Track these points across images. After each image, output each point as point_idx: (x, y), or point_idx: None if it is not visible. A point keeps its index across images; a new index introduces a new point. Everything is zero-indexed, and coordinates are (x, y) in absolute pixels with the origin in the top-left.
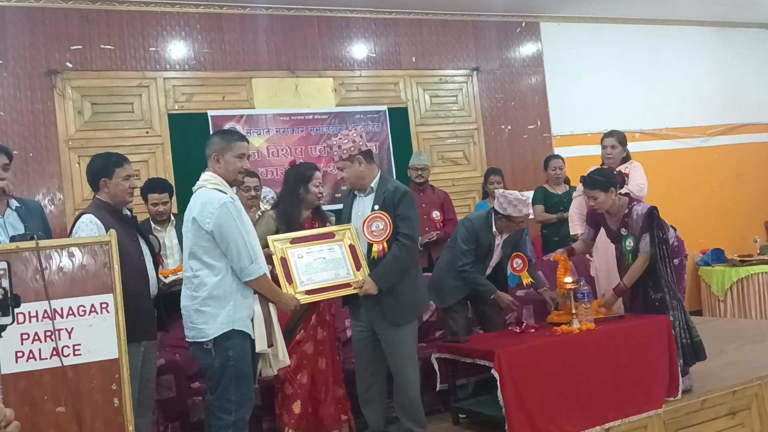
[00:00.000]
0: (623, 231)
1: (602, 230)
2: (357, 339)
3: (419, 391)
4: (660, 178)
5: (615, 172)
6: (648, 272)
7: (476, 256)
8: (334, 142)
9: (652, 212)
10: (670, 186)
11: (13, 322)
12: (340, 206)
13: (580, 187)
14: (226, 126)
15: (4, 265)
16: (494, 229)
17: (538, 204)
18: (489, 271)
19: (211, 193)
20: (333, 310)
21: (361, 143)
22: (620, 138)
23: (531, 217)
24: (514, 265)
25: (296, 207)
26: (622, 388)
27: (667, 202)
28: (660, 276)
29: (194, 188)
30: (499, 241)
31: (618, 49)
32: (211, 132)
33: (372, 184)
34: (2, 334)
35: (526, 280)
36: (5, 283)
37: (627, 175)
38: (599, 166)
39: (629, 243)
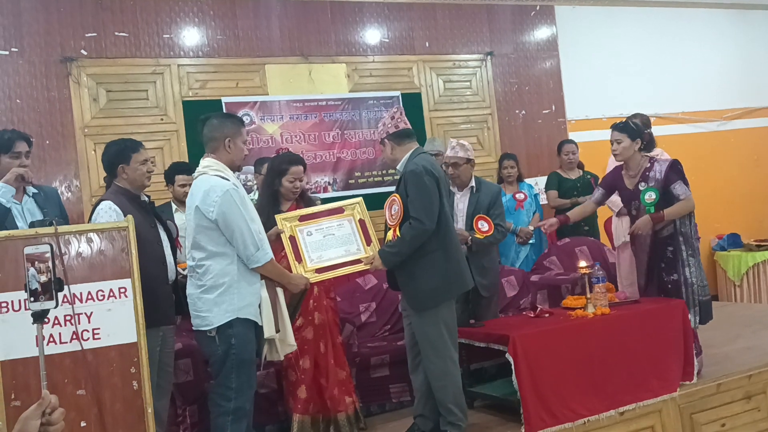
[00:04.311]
0: (641, 186)
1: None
2: (403, 318)
3: (450, 380)
4: None
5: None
6: (661, 254)
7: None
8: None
9: (676, 163)
10: (686, 170)
11: (57, 306)
12: (353, 192)
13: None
14: (240, 112)
15: (47, 247)
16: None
17: (552, 189)
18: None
19: (212, 180)
20: (333, 294)
21: (390, 125)
22: (643, 119)
23: (544, 202)
24: (479, 226)
25: (273, 200)
26: (636, 372)
27: None
28: (675, 258)
29: (194, 175)
30: (456, 198)
31: (633, 32)
32: None
33: (399, 166)
34: (44, 318)
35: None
36: (50, 266)
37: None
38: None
39: (650, 195)
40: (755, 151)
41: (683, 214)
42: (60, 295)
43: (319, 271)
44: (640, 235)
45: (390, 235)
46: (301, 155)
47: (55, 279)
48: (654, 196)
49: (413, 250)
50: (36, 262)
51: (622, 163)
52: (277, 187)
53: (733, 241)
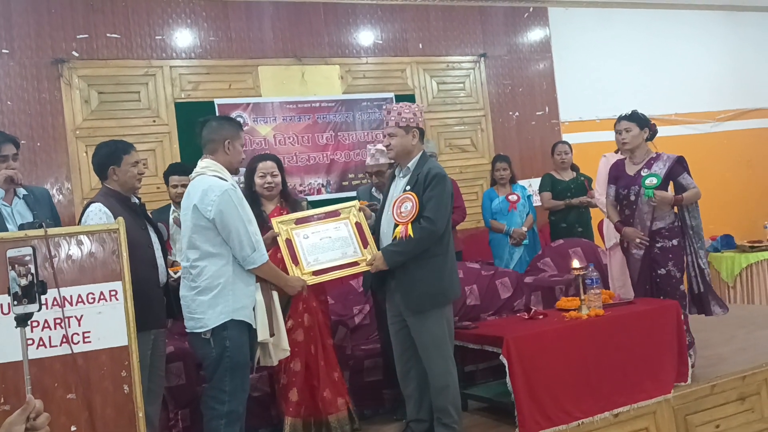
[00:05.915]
0: (644, 172)
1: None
2: (390, 325)
3: (451, 380)
4: None
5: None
6: (650, 248)
7: None
8: (394, 108)
9: (683, 158)
10: None
11: (40, 309)
12: (346, 194)
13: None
14: (233, 114)
15: (29, 250)
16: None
17: (545, 191)
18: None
19: (211, 180)
20: (323, 296)
21: (420, 119)
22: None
23: (538, 203)
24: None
25: (253, 201)
26: (631, 373)
27: None
28: (664, 253)
29: (191, 176)
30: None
31: (626, 33)
32: None
33: (409, 164)
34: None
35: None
36: (32, 269)
37: None
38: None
39: (651, 180)
40: (748, 153)
41: (694, 200)
42: (43, 298)
43: (316, 273)
44: (638, 198)
45: (398, 230)
46: (276, 155)
47: (38, 282)
48: (655, 181)
49: (418, 251)
50: (16, 266)
51: (615, 161)
52: (253, 187)
53: (727, 243)
